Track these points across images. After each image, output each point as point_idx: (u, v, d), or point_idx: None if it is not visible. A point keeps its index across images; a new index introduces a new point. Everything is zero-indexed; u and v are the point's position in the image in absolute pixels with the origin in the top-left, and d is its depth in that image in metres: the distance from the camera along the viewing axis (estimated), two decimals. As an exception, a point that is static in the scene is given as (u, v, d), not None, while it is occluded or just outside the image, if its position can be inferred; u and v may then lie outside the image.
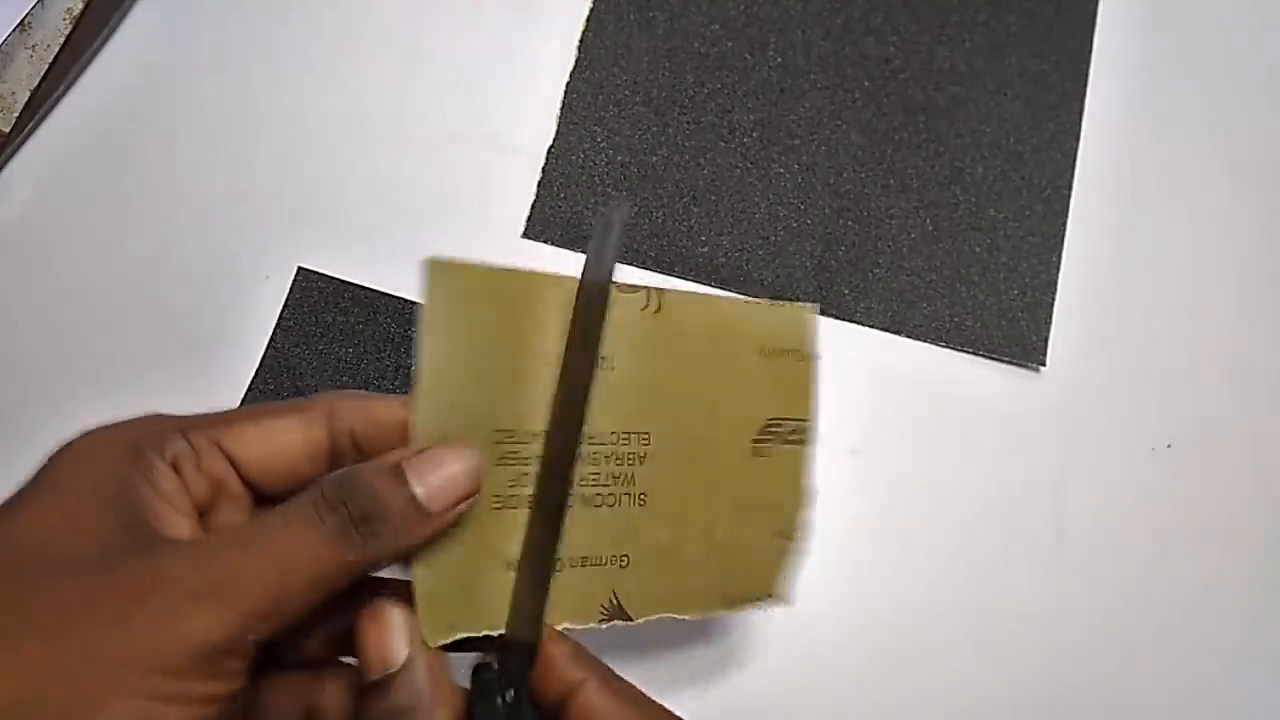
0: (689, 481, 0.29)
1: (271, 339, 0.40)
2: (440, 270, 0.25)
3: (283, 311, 0.40)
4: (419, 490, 0.22)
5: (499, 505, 0.25)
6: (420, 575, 0.24)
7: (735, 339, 0.29)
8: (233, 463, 0.23)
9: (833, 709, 0.37)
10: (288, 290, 0.40)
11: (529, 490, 0.26)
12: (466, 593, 0.25)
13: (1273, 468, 0.40)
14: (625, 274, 0.41)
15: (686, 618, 0.28)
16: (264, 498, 0.25)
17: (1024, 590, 0.38)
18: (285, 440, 0.24)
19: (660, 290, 0.28)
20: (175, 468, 0.22)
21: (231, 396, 0.39)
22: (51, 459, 0.21)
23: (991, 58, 0.44)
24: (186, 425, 0.23)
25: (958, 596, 0.38)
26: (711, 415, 0.29)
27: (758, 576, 0.30)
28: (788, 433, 0.30)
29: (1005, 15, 0.45)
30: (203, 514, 0.23)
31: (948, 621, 0.38)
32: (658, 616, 0.28)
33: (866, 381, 0.40)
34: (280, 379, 0.39)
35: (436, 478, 0.23)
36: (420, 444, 0.24)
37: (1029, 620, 0.38)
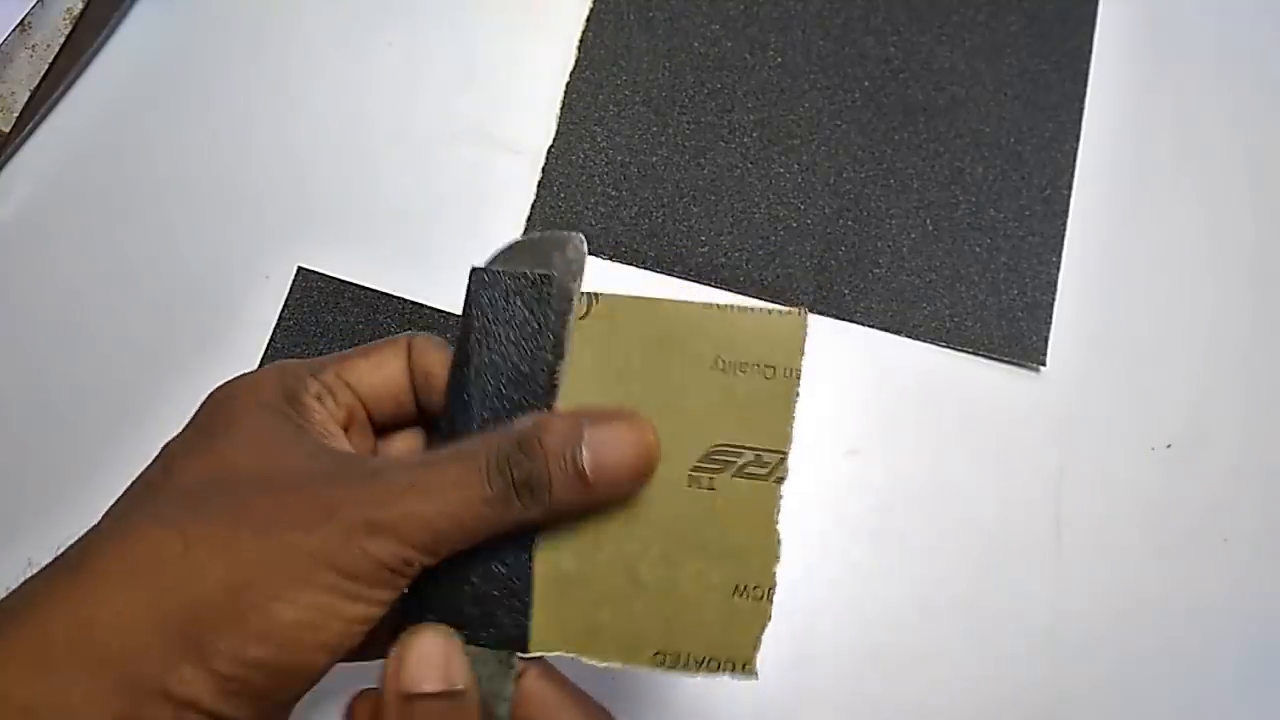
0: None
1: (271, 339, 0.40)
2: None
3: (283, 311, 0.40)
4: (587, 460, 0.24)
5: None
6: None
7: (683, 347, 0.25)
8: (354, 393, 0.27)
9: (831, 709, 0.37)
10: (288, 290, 0.40)
11: None
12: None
13: (1272, 468, 0.40)
14: (623, 275, 0.41)
15: (598, 664, 0.25)
16: (373, 419, 0.28)
17: (1023, 590, 0.38)
18: (388, 370, 0.27)
19: (597, 294, 0.25)
20: (320, 403, 0.26)
21: (231, 396, 0.39)
22: (208, 406, 0.26)
23: (991, 58, 0.44)
24: (314, 368, 0.27)
25: (957, 596, 0.38)
26: None
27: (707, 637, 0.25)
28: (744, 464, 0.25)
29: (1005, 15, 0.45)
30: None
31: (947, 621, 0.38)
32: (559, 654, 0.25)
33: (866, 381, 0.40)
34: (280, 379, 0.39)
35: (607, 452, 0.24)
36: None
37: (1028, 620, 0.38)
